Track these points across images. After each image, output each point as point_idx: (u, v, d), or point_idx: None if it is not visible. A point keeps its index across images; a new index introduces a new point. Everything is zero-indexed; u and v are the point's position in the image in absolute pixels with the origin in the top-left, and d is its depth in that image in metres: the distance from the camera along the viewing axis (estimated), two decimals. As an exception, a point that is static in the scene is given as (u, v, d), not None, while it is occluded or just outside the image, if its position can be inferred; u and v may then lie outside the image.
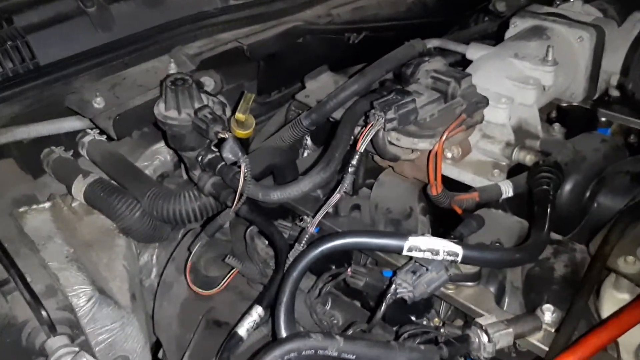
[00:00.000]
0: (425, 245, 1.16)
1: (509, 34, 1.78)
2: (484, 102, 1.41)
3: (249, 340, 1.41)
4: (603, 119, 1.78)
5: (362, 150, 1.34)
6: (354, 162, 1.34)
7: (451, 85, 1.42)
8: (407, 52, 1.73)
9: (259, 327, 1.41)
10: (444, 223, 1.54)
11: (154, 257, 1.87)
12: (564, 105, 1.79)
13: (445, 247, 1.17)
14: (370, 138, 1.35)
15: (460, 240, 1.34)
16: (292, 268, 1.19)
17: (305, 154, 2.00)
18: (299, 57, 1.99)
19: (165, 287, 1.76)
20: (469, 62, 1.70)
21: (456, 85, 1.42)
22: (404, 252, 1.17)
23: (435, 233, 1.50)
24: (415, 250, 1.17)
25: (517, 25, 1.78)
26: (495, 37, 2.07)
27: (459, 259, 1.17)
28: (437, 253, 1.16)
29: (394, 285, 1.22)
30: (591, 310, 1.27)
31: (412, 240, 1.16)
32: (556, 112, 1.82)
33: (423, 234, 1.20)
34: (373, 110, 1.35)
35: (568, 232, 1.47)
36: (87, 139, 1.75)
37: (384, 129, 1.37)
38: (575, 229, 1.48)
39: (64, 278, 1.45)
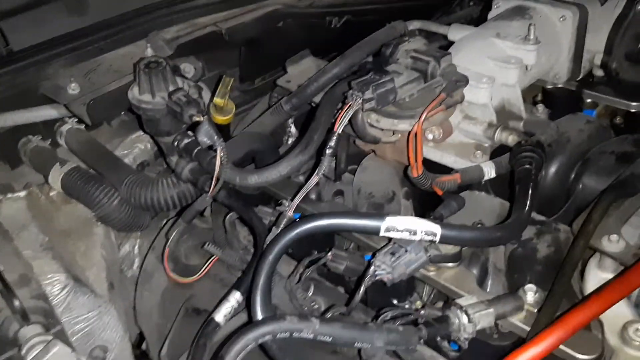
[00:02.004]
0: (402, 225, 1.14)
1: (491, 14, 1.75)
2: (464, 80, 1.38)
3: (229, 326, 1.38)
4: (589, 100, 1.76)
5: (339, 132, 1.31)
6: (332, 143, 1.31)
7: (431, 64, 1.39)
8: (388, 33, 1.70)
9: (239, 314, 1.38)
10: (429, 207, 1.51)
11: (136, 247, 1.85)
12: (549, 87, 1.77)
13: (423, 227, 1.14)
14: (348, 119, 1.33)
15: (440, 221, 1.31)
16: (267, 251, 1.16)
17: (290, 142, 1.97)
18: (280, 41, 1.96)
19: (145, 277, 1.73)
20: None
21: (436, 64, 1.39)
22: (382, 233, 1.15)
23: (419, 217, 1.47)
24: (393, 231, 1.14)
25: (500, 5, 1.75)
26: (479, 22, 2.04)
27: (438, 238, 1.15)
28: (415, 233, 1.14)
29: (372, 267, 1.20)
30: (575, 291, 1.24)
31: (389, 221, 1.14)
32: (541, 95, 1.80)
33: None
34: (351, 91, 1.32)
35: (553, 213, 1.44)
36: (65, 127, 1.72)
37: (362, 110, 1.34)
38: (560, 210, 1.46)
39: (38, 266, 1.42)
